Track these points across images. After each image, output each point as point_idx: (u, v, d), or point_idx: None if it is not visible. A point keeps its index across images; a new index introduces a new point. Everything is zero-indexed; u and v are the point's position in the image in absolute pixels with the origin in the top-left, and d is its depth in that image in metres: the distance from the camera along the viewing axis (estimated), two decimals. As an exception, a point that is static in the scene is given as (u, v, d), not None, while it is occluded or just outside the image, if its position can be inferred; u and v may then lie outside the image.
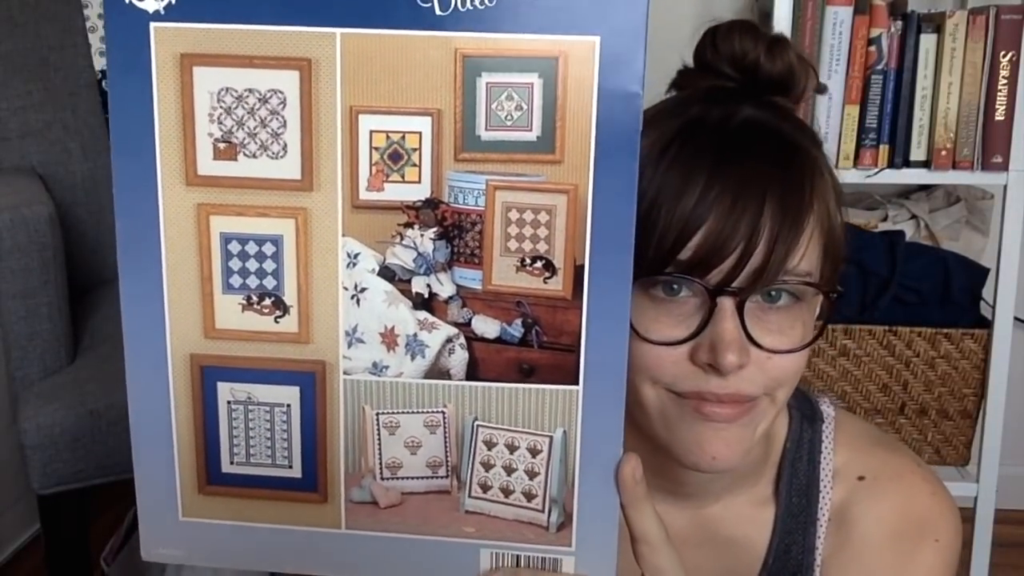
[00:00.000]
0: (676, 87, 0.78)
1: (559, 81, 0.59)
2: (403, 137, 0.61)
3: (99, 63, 2.14)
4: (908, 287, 1.81)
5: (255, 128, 0.61)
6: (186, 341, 0.65)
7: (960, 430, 1.86)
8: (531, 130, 0.60)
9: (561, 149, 0.60)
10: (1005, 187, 1.75)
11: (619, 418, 0.63)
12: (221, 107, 0.61)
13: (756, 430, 0.72)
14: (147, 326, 0.64)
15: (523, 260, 0.62)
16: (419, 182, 0.62)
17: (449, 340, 0.63)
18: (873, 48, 1.70)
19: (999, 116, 1.70)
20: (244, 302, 0.64)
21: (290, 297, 0.63)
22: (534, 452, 0.65)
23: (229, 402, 0.65)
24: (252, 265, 0.63)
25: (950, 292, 1.82)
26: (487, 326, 0.63)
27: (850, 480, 0.84)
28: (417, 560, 0.67)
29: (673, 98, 0.76)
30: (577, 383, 0.63)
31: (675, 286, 0.68)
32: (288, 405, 0.65)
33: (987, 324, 1.82)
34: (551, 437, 0.64)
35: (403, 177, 0.62)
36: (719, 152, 0.68)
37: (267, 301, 0.64)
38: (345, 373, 0.64)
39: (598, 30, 0.58)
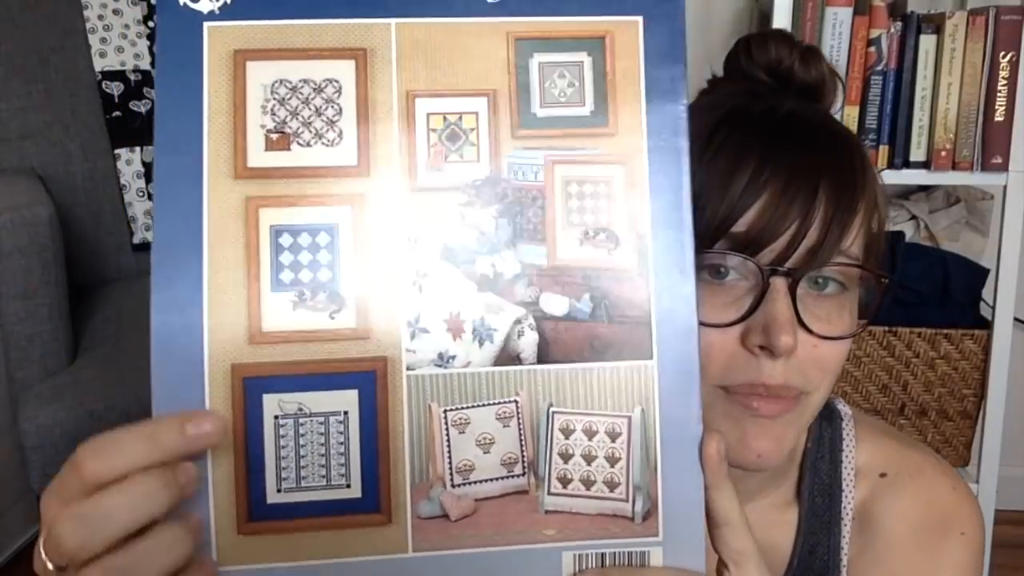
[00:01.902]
0: (706, 96, 0.79)
1: (607, 58, 0.60)
2: (460, 118, 0.59)
3: (99, 64, 2.07)
4: (908, 288, 1.73)
5: (309, 117, 0.58)
6: (228, 350, 0.56)
7: (960, 431, 1.76)
8: (584, 105, 0.59)
9: (614, 122, 0.59)
10: (1005, 188, 1.70)
11: (696, 391, 0.58)
12: (275, 99, 0.58)
13: (799, 426, 0.69)
14: (182, 337, 0.55)
15: (586, 232, 0.59)
16: (478, 161, 0.59)
17: (518, 321, 0.58)
18: (873, 49, 1.66)
19: (999, 117, 1.66)
20: (296, 299, 0.57)
21: (347, 289, 0.57)
22: (613, 436, 0.58)
23: (276, 417, 0.56)
24: (305, 258, 0.57)
25: (950, 293, 1.74)
26: (555, 303, 0.58)
27: (872, 477, 0.80)
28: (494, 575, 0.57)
29: (706, 98, 0.77)
30: (651, 357, 0.58)
31: (723, 269, 0.66)
32: (345, 412, 0.56)
33: (987, 325, 1.75)
34: (629, 417, 0.58)
35: (462, 157, 0.59)
36: (770, 135, 0.68)
37: (321, 295, 0.57)
38: (408, 368, 0.57)
39: (640, 10, 0.60)
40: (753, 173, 0.66)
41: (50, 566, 0.50)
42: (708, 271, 0.67)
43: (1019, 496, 2.22)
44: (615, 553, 0.57)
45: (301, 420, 0.56)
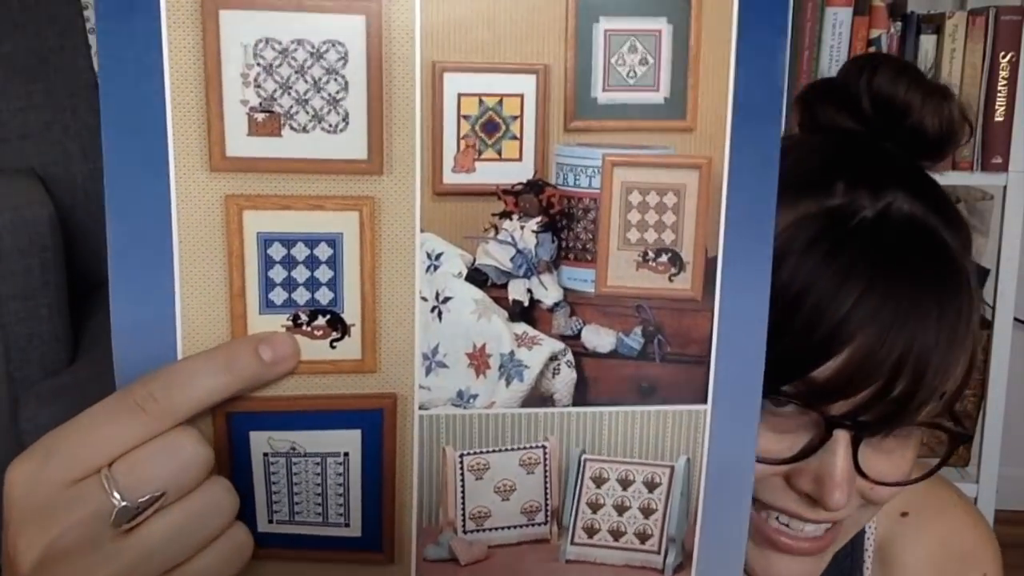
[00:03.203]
0: (802, 105, 0.64)
1: (692, 28, 0.45)
2: (500, 102, 0.45)
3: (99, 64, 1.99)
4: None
5: (306, 92, 0.43)
6: None
7: None
8: (658, 90, 0.45)
9: (694, 114, 0.46)
10: (1005, 188, 1.67)
11: (752, 442, 0.49)
12: (259, 65, 0.43)
13: (834, 551, 0.62)
14: (149, 368, 0.44)
15: (645, 254, 0.47)
16: (520, 159, 0.45)
17: (554, 358, 0.47)
18: (873, 49, 1.61)
19: (999, 117, 1.63)
20: (289, 323, 0.45)
21: (351, 314, 0.45)
22: (651, 486, 0.50)
23: (266, 454, 0.47)
24: (301, 274, 0.45)
25: (950, 292, 1.73)
26: (600, 338, 0.47)
27: (892, 516, 0.76)
28: None
29: (803, 161, 0.60)
30: (705, 401, 0.48)
31: (784, 400, 0.55)
32: (345, 454, 0.47)
33: (987, 324, 1.71)
34: (672, 467, 0.49)
35: (500, 154, 0.45)
36: (870, 269, 0.54)
37: (320, 320, 0.45)
38: (421, 408, 0.47)
39: None
40: (855, 303, 0.53)
41: (120, 502, 0.40)
42: (767, 400, 0.56)
43: (1019, 496, 2.18)
44: None
45: (295, 460, 0.47)
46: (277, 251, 0.44)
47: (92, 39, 2.00)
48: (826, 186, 0.57)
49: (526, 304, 0.47)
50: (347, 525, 0.48)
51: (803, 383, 0.54)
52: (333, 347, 0.46)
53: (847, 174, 0.58)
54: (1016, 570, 0.76)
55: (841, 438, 0.55)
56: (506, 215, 0.46)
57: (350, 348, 0.46)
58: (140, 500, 0.41)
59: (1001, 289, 1.72)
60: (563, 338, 0.47)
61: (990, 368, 1.75)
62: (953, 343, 0.55)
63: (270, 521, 0.48)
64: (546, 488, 0.49)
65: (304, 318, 0.45)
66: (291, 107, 0.43)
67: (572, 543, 0.50)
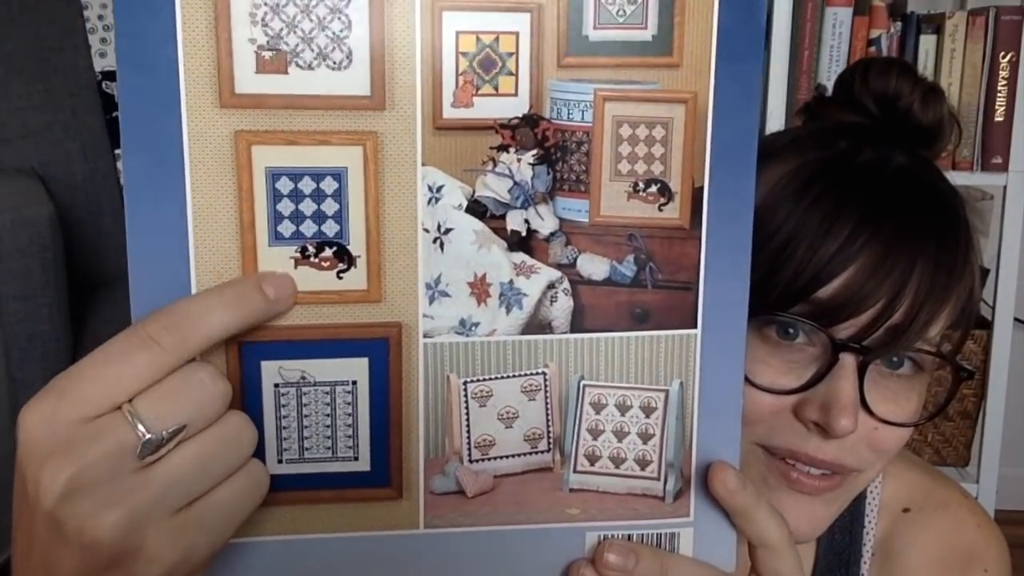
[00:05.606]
0: (808, 113, 0.66)
1: (678, -32, 0.46)
2: (497, 39, 0.46)
3: (99, 64, 2.02)
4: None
5: (311, 31, 0.44)
6: None
7: (960, 431, 1.74)
8: (646, 28, 0.47)
9: (680, 50, 0.47)
10: (1005, 188, 1.65)
11: (740, 365, 0.50)
12: (266, 5, 0.44)
13: (841, 504, 0.62)
14: (164, 298, 0.45)
15: (636, 185, 0.48)
16: (515, 94, 0.47)
17: (551, 286, 0.48)
18: (873, 49, 1.60)
19: (999, 117, 1.61)
20: (298, 255, 0.46)
21: (357, 245, 0.46)
22: (648, 411, 0.51)
23: (277, 385, 0.47)
24: (308, 207, 0.46)
25: (950, 292, 1.72)
26: (595, 266, 0.49)
27: (894, 512, 0.75)
28: (511, 555, 0.51)
29: (812, 126, 0.65)
30: (695, 326, 0.50)
31: (791, 329, 0.57)
32: (353, 382, 0.48)
33: (987, 324, 1.69)
34: (667, 391, 0.50)
35: (496, 89, 0.46)
36: (872, 196, 0.57)
37: (327, 252, 0.46)
38: (426, 336, 0.48)
39: None
40: (848, 236, 0.56)
41: (145, 435, 0.41)
42: (776, 330, 0.58)
43: (1019, 496, 2.16)
44: (643, 535, 0.51)
45: (304, 389, 0.48)
46: (285, 185, 0.45)
47: (92, 39, 2.00)
48: (829, 141, 0.61)
49: (524, 234, 0.48)
50: (356, 459, 0.49)
51: (809, 303, 0.56)
52: (340, 278, 0.47)
53: (851, 134, 0.61)
54: (1017, 570, 0.76)
55: (847, 366, 0.56)
56: (503, 148, 0.47)
57: (356, 278, 0.47)
58: (164, 433, 0.41)
59: (1001, 289, 1.69)
60: (559, 267, 0.48)
61: (990, 368, 1.72)
62: (953, 273, 0.57)
63: (279, 461, 0.48)
64: (547, 415, 0.50)
65: (311, 250, 0.46)
66: (297, 45, 0.44)
67: (575, 471, 0.51)
